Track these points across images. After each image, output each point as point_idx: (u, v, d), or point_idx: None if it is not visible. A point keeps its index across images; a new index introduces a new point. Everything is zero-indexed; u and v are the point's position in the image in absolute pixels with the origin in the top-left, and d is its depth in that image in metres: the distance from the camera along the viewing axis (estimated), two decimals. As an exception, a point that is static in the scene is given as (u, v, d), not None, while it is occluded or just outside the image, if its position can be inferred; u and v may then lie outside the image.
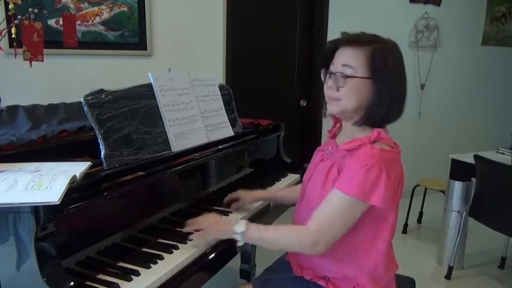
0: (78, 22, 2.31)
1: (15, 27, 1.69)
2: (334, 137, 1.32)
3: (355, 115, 1.18)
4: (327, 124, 3.99)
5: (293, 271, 1.34)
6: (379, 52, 1.12)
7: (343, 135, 1.27)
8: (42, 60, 1.75)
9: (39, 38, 1.72)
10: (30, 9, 1.72)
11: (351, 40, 1.16)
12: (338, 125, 1.33)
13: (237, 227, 1.18)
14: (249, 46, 3.24)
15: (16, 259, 0.97)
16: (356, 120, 1.18)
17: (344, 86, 1.13)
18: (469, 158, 2.50)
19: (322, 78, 1.22)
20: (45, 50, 1.78)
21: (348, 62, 1.13)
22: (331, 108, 1.20)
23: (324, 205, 1.13)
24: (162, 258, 1.17)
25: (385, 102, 1.13)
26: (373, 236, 1.18)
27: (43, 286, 0.91)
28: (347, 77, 1.12)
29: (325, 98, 1.22)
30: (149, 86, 1.46)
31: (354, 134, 1.20)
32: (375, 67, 1.12)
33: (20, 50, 1.75)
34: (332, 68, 1.17)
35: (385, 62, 1.12)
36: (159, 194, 1.35)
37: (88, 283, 1.04)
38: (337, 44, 1.18)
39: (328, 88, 1.18)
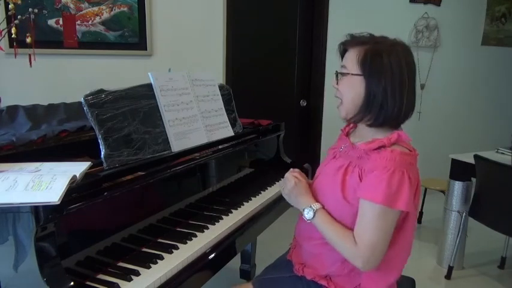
0: (78, 22, 2.31)
1: (15, 27, 1.69)
2: (347, 135, 1.31)
3: (360, 116, 1.18)
4: (326, 124, 4.00)
5: (294, 270, 1.33)
6: (371, 52, 1.13)
7: (358, 135, 1.26)
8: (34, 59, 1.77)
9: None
10: (30, 9, 1.72)
11: (350, 42, 1.20)
12: (352, 124, 1.32)
13: (307, 213, 1.20)
14: (249, 46, 3.25)
15: (16, 259, 0.97)
16: (367, 122, 1.18)
17: (339, 83, 1.19)
18: (469, 158, 2.50)
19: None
20: (45, 50, 1.78)
21: (345, 62, 1.19)
22: (340, 112, 1.23)
23: (361, 220, 1.12)
24: (162, 258, 1.17)
25: (378, 101, 1.13)
26: (392, 241, 1.15)
27: (43, 286, 0.91)
28: (341, 73, 1.19)
29: None
30: (149, 86, 1.45)
31: (371, 135, 1.19)
32: (365, 65, 1.13)
33: (19, 50, 1.76)
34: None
35: (376, 61, 1.12)
36: (159, 194, 1.35)
37: (88, 283, 1.04)
38: (345, 46, 1.22)
39: (334, 88, 1.23)
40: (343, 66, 1.19)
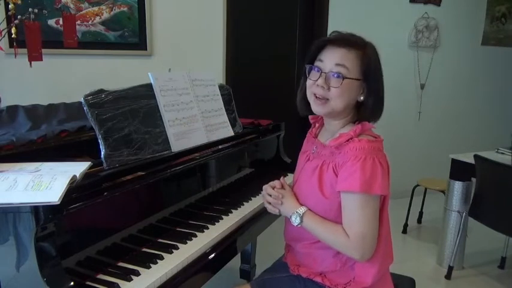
0: (78, 22, 2.31)
1: (15, 27, 1.69)
2: (316, 136, 1.34)
3: (341, 114, 1.22)
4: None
5: (290, 271, 1.35)
6: (371, 55, 1.18)
7: (326, 133, 1.30)
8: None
9: None
10: (30, 9, 1.72)
11: (344, 40, 1.18)
12: (318, 125, 1.37)
13: (294, 219, 1.22)
14: (249, 46, 3.24)
15: (16, 259, 0.97)
16: (344, 118, 1.23)
17: (338, 86, 1.15)
18: (469, 158, 2.50)
19: (307, 74, 1.23)
20: (45, 50, 1.78)
21: (342, 61, 1.15)
22: (319, 108, 1.20)
23: (346, 212, 1.15)
24: (162, 258, 1.17)
25: (373, 102, 1.19)
26: None
27: (43, 286, 0.91)
28: (344, 78, 1.15)
29: (309, 96, 1.23)
30: (149, 86, 1.45)
31: (337, 131, 1.24)
32: (368, 69, 1.17)
33: (19, 50, 1.76)
34: (321, 65, 1.18)
35: (374, 65, 1.18)
36: (159, 194, 1.35)
37: (88, 283, 1.04)
38: (327, 42, 1.19)
39: (318, 87, 1.18)
40: (340, 65, 1.14)
